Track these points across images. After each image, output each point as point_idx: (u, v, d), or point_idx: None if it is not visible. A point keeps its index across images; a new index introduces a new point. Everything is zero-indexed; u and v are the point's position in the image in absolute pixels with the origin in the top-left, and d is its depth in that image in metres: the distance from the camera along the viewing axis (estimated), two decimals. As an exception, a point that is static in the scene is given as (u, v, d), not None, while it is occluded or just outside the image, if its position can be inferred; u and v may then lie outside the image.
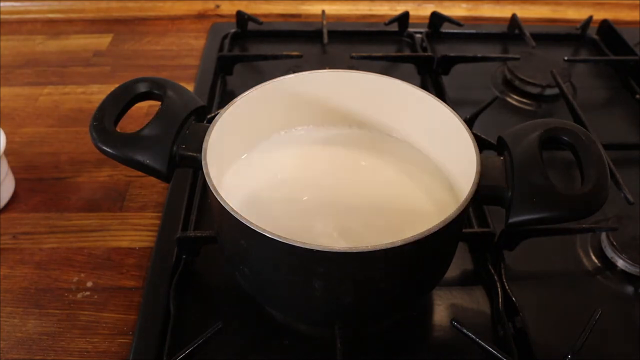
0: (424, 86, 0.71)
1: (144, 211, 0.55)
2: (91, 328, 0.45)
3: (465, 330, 0.42)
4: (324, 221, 0.42)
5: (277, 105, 0.47)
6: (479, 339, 0.41)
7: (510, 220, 0.38)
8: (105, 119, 0.40)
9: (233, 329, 0.44)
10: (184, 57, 0.77)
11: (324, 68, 0.55)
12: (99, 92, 0.70)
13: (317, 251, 0.33)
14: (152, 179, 0.43)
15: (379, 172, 0.46)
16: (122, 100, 0.42)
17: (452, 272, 0.49)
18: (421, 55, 0.73)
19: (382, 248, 0.33)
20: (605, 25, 0.81)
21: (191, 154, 0.40)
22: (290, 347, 0.44)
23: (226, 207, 0.35)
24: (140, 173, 0.42)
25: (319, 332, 0.45)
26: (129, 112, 0.43)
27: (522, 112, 0.69)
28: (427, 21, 0.80)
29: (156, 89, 0.43)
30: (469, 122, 0.61)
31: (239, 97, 0.43)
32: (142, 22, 0.83)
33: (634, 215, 0.52)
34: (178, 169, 0.42)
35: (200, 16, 0.85)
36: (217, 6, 0.86)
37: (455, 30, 0.80)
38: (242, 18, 0.78)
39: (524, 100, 0.70)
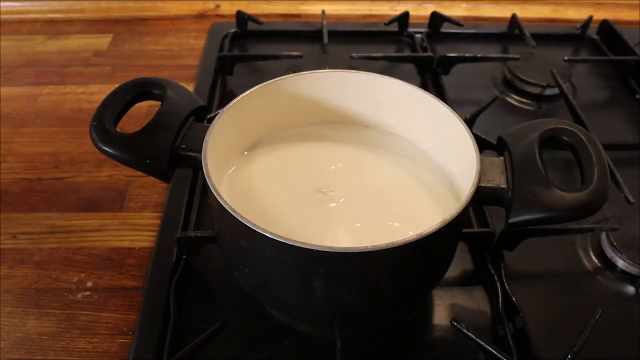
0: (424, 86, 0.71)
1: (144, 211, 0.55)
2: (91, 328, 0.45)
3: (465, 330, 0.42)
4: (325, 220, 0.42)
5: (277, 105, 0.47)
6: (479, 339, 0.42)
7: (510, 220, 0.38)
8: (105, 119, 0.40)
9: (233, 329, 0.44)
10: (184, 57, 0.77)
11: (324, 68, 0.55)
12: (99, 92, 0.70)
13: (317, 251, 0.33)
14: (152, 179, 0.43)
15: (380, 171, 0.46)
16: (122, 100, 0.42)
17: (452, 272, 0.49)
18: (421, 56, 0.73)
19: (382, 248, 0.33)
20: (605, 25, 0.81)
21: (191, 154, 0.40)
22: (290, 347, 0.44)
23: (226, 207, 0.35)
24: (140, 173, 0.42)
25: (319, 332, 0.45)
26: (129, 112, 0.43)
27: (522, 112, 0.69)
28: (427, 21, 0.80)
29: (156, 89, 0.43)
30: (469, 122, 0.61)
31: (239, 97, 0.43)
32: (142, 22, 0.83)
33: (634, 215, 0.52)
34: (178, 169, 0.42)
35: (200, 16, 0.85)
36: (217, 6, 0.86)
37: (455, 30, 0.80)
38: (242, 18, 0.78)
39: (524, 100, 0.70)
